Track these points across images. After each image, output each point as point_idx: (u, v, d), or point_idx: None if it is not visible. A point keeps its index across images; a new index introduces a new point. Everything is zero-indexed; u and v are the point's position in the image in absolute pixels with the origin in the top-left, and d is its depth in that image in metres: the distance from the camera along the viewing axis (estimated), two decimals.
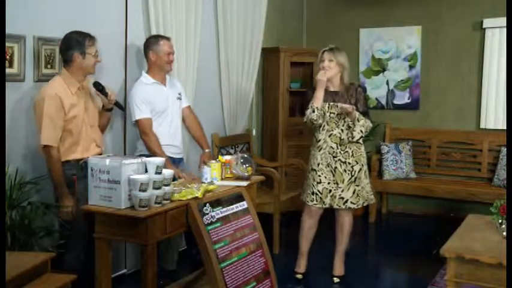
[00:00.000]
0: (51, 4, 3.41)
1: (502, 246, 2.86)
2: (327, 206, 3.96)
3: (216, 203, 3.15)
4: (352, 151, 3.91)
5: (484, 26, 5.56)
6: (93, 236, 2.97)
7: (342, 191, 3.91)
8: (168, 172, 2.92)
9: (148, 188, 2.77)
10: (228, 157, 3.62)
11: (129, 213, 2.76)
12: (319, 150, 3.94)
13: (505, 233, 2.98)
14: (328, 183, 3.92)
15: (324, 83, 3.85)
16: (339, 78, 3.92)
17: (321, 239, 4.34)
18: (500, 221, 3.08)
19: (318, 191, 3.93)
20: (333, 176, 3.92)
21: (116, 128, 3.96)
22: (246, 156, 3.68)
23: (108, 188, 2.80)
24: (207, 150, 4.02)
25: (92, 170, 2.86)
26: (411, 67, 6.05)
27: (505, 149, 5.32)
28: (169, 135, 3.84)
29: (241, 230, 3.23)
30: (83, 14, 3.60)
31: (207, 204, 3.08)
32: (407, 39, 6.04)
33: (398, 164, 5.75)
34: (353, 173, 3.91)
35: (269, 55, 5.70)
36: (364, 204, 4.05)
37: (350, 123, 3.86)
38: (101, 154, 3.33)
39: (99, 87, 3.36)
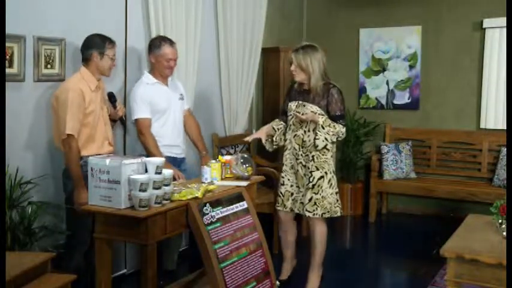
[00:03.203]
0: (51, 4, 3.42)
1: (502, 246, 2.85)
2: (288, 209, 3.81)
3: (216, 203, 3.15)
4: (313, 156, 3.67)
5: (484, 26, 5.56)
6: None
7: (303, 195, 3.73)
8: (168, 172, 2.92)
9: (148, 188, 2.77)
10: (228, 157, 3.62)
11: (129, 213, 2.75)
12: (285, 151, 3.83)
13: (505, 233, 2.98)
14: (291, 185, 3.80)
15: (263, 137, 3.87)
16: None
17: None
18: (500, 221, 3.08)
19: (281, 193, 3.82)
20: (296, 178, 3.79)
21: (115, 128, 3.96)
22: (246, 156, 3.68)
23: (108, 188, 2.80)
24: (204, 153, 4.03)
25: (92, 170, 2.86)
26: (411, 67, 6.05)
27: (505, 149, 5.32)
28: (173, 135, 3.84)
29: (241, 230, 3.23)
30: (83, 14, 3.60)
31: (207, 204, 3.07)
32: (407, 39, 6.03)
33: (398, 164, 5.75)
34: (311, 179, 3.67)
35: (269, 55, 5.70)
36: (325, 216, 3.71)
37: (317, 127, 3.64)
38: (113, 152, 3.41)
39: (111, 99, 3.51)
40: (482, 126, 5.68)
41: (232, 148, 5.20)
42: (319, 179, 3.68)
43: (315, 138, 3.64)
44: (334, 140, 3.68)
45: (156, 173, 2.83)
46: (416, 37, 5.99)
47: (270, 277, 3.32)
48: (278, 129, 3.90)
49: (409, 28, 6.01)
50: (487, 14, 5.53)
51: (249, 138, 3.96)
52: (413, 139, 5.99)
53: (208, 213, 3.05)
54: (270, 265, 3.35)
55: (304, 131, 3.71)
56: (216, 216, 3.09)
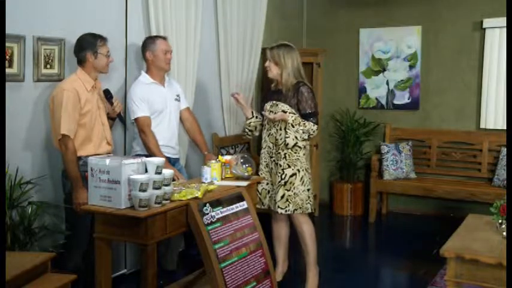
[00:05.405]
0: (51, 4, 3.42)
1: (502, 246, 2.86)
2: (266, 207, 3.85)
3: (216, 203, 3.15)
4: (285, 154, 3.72)
5: (484, 26, 5.56)
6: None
7: (276, 193, 3.76)
8: (168, 172, 2.92)
9: (148, 188, 2.77)
10: (228, 157, 3.63)
11: (129, 213, 2.76)
12: (262, 150, 3.90)
13: (505, 233, 2.98)
14: (267, 183, 3.84)
15: (243, 107, 3.99)
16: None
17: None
18: (500, 221, 3.08)
19: (257, 190, 3.85)
20: (270, 176, 3.83)
21: (115, 128, 3.96)
22: (246, 156, 3.69)
23: (108, 188, 2.80)
24: (206, 153, 4.03)
25: (92, 170, 2.86)
26: (411, 67, 6.05)
27: (505, 149, 5.32)
28: (167, 135, 3.84)
29: (241, 230, 3.23)
30: (83, 14, 3.60)
31: (207, 204, 3.07)
32: (407, 39, 6.03)
33: (398, 164, 5.75)
34: (283, 176, 3.71)
35: None
36: (297, 212, 3.74)
37: (288, 126, 3.70)
38: (111, 152, 3.41)
39: (107, 96, 3.49)
40: (482, 126, 5.68)
41: (232, 148, 5.20)
42: (291, 176, 3.72)
43: (285, 137, 3.71)
44: (306, 137, 3.74)
45: (156, 173, 2.83)
46: (416, 37, 5.99)
47: (270, 277, 3.32)
48: (256, 116, 4.00)
49: (409, 28, 6.01)
50: (487, 14, 5.53)
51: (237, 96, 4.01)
52: (413, 139, 5.99)
53: (208, 213, 3.05)
54: (270, 265, 3.35)
55: (277, 130, 3.77)
56: (216, 216, 3.09)
